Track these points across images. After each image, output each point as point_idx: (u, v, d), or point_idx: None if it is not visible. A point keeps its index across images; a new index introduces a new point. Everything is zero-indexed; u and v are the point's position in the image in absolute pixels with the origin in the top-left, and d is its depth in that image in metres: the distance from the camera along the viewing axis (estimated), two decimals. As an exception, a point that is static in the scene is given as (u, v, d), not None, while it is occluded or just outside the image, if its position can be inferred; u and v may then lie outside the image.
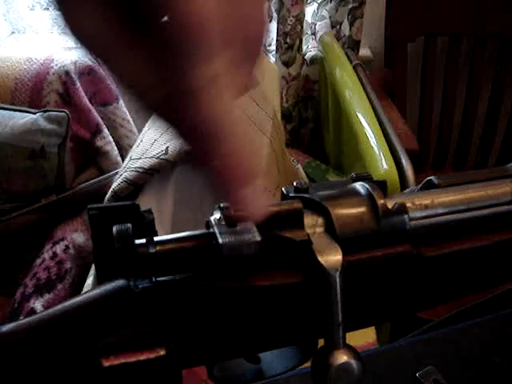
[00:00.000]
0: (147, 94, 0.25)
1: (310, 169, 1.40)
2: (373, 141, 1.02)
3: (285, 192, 0.29)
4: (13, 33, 1.43)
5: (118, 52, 0.25)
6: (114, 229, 0.24)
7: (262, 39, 0.26)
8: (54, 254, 0.98)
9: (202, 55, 0.22)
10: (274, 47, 1.51)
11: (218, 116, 0.23)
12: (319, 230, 0.27)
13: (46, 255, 0.98)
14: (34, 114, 1.09)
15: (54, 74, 1.14)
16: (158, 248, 0.25)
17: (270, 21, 1.48)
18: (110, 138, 1.20)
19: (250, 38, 0.26)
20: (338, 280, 0.24)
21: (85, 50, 0.25)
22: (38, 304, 0.89)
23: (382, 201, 0.27)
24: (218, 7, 0.22)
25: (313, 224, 0.27)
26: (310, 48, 1.56)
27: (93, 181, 1.13)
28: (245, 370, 0.31)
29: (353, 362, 0.25)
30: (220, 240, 0.24)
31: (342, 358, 0.25)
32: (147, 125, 0.89)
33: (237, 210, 0.25)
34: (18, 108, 1.12)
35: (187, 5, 0.22)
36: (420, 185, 0.31)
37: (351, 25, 1.48)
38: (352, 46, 1.50)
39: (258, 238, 0.24)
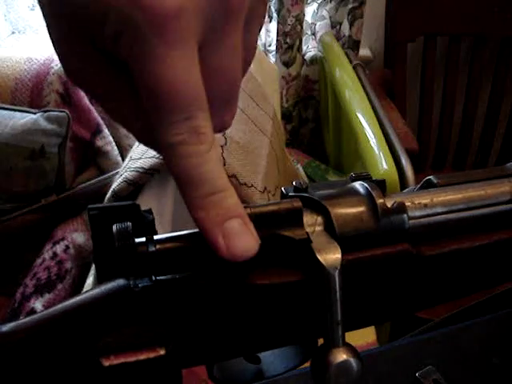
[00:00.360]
0: (137, 134, 0.27)
1: (310, 169, 1.40)
2: (372, 141, 1.02)
3: (284, 191, 0.29)
4: (13, 33, 1.43)
5: (106, 93, 0.26)
6: (114, 227, 0.24)
7: (237, 88, 0.27)
8: (54, 254, 0.98)
9: (174, 114, 0.23)
10: (274, 47, 1.51)
11: (192, 168, 0.24)
12: (318, 228, 0.27)
13: (46, 255, 0.98)
14: (34, 114, 1.09)
15: (54, 74, 1.14)
16: (157, 247, 0.25)
17: (270, 21, 1.48)
18: (110, 138, 1.20)
19: (226, 91, 0.26)
20: (337, 279, 0.24)
21: (77, 86, 0.27)
22: (38, 304, 0.89)
23: (381, 200, 0.27)
24: (190, 72, 0.23)
25: (312, 223, 0.27)
26: (309, 48, 1.56)
27: (93, 181, 1.13)
28: (245, 369, 0.31)
29: (352, 360, 0.25)
30: None
31: (342, 356, 0.25)
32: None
33: (216, 248, 0.24)
34: (18, 108, 1.12)
35: (158, 73, 0.22)
36: (419, 184, 0.31)
37: (351, 25, 1.48)
38: (352, 46, 1.50)
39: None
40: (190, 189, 0.24)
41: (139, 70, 0.23)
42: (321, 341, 0.27)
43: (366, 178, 0.29)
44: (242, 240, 0.24)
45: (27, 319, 0.24)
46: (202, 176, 0.24)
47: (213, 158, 0.24)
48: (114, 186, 0.73)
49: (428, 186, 0.30)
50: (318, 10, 1.51)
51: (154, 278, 0.25)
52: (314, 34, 1.54)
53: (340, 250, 0.25)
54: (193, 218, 0.24)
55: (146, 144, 0.28)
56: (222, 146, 0.71)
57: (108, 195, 0.73)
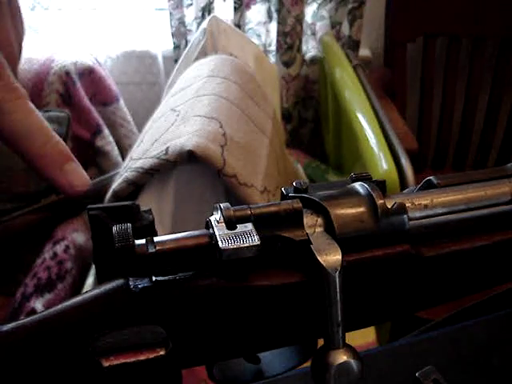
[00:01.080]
0: None
1: (310, 169, 1.40)
2: (372, 141, 1.02)
3: (284, 192, 0.29)
4: (13, 33, 1.43)
5: None
6: (114, 228, 0.25)
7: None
8: (55, 254, 0.98)
9: None
10: (274, 47, 1.51)
11: (22, 121, 0.27)
12: (319, 229, 0.27)
13: (47, 255, 0.98)
14: (35, 114, 1.09)
15: (54, 74, 1.14)
16: (157, 248, 0.25)
17: (270, 21, 1.48)
18: (111, 138, 1.20)
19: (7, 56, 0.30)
20: (337, 280, 0.24)
21: None
22: (38, 304, 0.89)
23: (381, 201, 0.27)
24: None
25: (312, 224, 0.27)
26: (309, 48, 1.56)
27: (93, 181, 1.13)
28: (244, 369, 0.31)
29: (352, 361, 0.25)
30: (220, 245, 0.24)
31: (342, 357, 0.25)
32: (148, 125, 0.89)
33: (63, 187, 0.28)
34: (19, 108, 1.12)
35: None
36: (419, 185, 0.31)
37: (351, 25, 1.48)
38: (352, 46, 1.50)
39: (258, 242, 0.24)
40: (26, 141, 0.27)
41: None
42: (321, 341, 0.27)
43: (366, 178, 0.29)
44: (80, 176, 0.28)
45: (27, 319, 0.24)
46: (32, 127, 0.27)
47: (34, 110, 0.27)
48: (114, 186, 0.73)
49: (428, 186, 0.30)
50: (317, 10, 1.50)
51: (153, 278, 0.25)
52: (314, 34, 1.54)
53: (340, 251, 0.25)
54: (33, 167, 0.27)
55: None
56: (222, 146, 0.71)
57: (108, 195, 0.73)
